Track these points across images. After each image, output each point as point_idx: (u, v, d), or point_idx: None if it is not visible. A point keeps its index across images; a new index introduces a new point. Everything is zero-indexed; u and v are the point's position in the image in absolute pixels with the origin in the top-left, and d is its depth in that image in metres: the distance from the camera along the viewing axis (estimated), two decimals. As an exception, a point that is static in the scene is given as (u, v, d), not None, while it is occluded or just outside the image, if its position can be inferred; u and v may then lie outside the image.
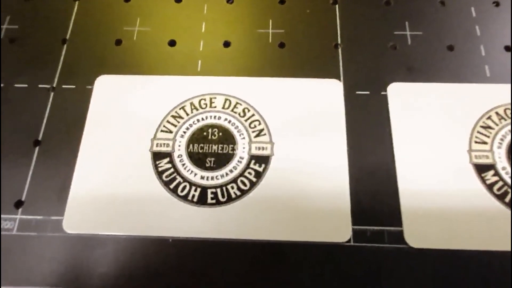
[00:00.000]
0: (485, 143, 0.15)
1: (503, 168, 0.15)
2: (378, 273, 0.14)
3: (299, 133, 0.16)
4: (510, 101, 0.16)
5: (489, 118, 0.16)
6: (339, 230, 0.14)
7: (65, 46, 0.18)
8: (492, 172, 0.15)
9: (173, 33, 0.18)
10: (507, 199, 0.14)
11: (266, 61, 0.17)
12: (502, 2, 0.19)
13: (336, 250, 0.14)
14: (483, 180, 0.15)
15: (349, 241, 0.14)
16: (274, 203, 0.14)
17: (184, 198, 0.14)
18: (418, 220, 0.14)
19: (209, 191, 0.15)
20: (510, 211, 0.14)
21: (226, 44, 0.18)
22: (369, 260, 0.14)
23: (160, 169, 0.15)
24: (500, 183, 0.15)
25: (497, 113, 0.16)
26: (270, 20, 0.18)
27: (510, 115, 0.16)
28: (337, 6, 0.18)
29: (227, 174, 0.15)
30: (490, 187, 0.15)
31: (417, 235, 0.14)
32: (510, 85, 0.16)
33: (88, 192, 0.14)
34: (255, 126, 0.16)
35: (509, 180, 0.15)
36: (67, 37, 0.18)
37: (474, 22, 0.18)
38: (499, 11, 0.18)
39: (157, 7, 0.19)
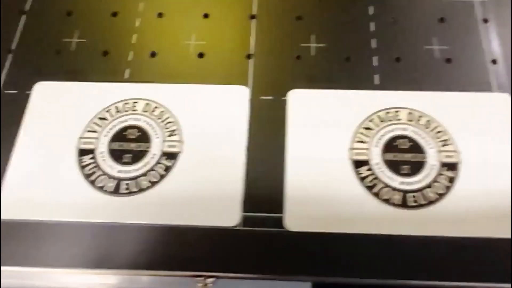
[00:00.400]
0: (364, 142, 0.18)
1: (376, 164, 0.17)
2: (262, 253, 0.16)
3: (206, 132, 0.18)
4: (392, 106, 0.19)
5: (371, 121, 0.18)
6: (230, 215, 0.16)
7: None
8: (366, 167, 0.17)
9: (107, 44, 0.20)
10: (375, 189, 0.17)
11: (186, 69, 0.20)
12: (399, 18, 0.21)
13: (227, 233, 0.16)
14: (357, 173, 0.17)
15: (239, 225, 0.17)
16: (180, 193, 0.17)
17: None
18: (297, 207, 0.17)
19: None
20: (376, 200, 0.16)
21: (153, 54, 0.20)
22: (255, 242, 0.16)
23: (83, 164, 0.17)
24: (372, 177, 0.17)
25: (378, 116, 0.18)
26: (194, 33, 0.21)
27: (389, 119, 0.18)
28: (254, 20, 0.21)
29: (140, 168, 0.17)
30: (362, 179, 0.17)
31: (295, 220, 0.16)
32: (394, 91, 0.19)
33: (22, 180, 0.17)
34: (169, 127, 0.18)
35: (379, 174, 0.17)
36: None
37: (371, 36, 0.20)
38: (395, 27, 0.20)
39: (94, 20, 0.21)
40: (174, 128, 0.18)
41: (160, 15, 0.21)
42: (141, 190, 0.17)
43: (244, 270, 0.16)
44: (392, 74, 0.19)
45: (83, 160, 0.17)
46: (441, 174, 0.17)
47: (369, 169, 0.17)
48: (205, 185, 0.17)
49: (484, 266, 0.16)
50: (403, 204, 0.17)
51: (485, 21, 0.21)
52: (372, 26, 0.21)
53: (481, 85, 0.19)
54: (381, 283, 0.16)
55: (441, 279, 0.16)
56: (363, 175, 0.17)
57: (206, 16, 0.21)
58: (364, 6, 0.21)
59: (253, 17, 0.21)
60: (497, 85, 0.19)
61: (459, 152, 0.18)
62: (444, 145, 0.18)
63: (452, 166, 0.17)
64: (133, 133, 0.18)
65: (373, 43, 0.20)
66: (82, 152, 0.18)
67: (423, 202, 0.17)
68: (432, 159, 0.18)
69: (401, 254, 0.16)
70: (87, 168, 0.17)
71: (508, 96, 0.19)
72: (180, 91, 0.19)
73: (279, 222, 0.17)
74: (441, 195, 0.17)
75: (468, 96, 0.19)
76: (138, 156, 0.17)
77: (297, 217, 0.17)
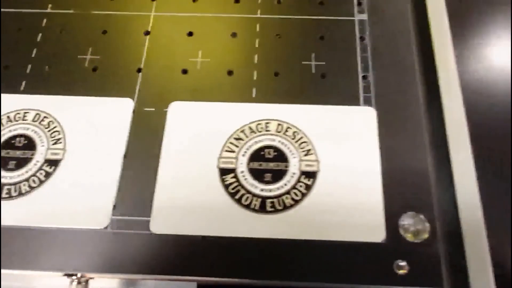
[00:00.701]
0: (233, 151, 0.19)
1: (241, 172, 0.19)
2: (129, 254, 0.17)
3: (89, 141, 0.19)
4: (263, 118, 0.20)
5: (242, 131, 0.20)
6: (100, 218, 0.18)
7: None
8: (232, 175, 0.19)
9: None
10: (237, 196, 0.18)
11: (79, 82, 0.21)
12: (283, 35, 0.22)
13: (96, 235, 0.18)
14: (223, 181, 0.19)
15: (106, 227, 0.18)
16: (59, 197, 0.18)
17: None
18: (164, 211, 0.18)
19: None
20: (237, 205, 0.18)
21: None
22: (122, 244, 0.18)
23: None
24: (235, 184, 0.19)
25: (250, 128, 0.20)
26: (91, 47, 0.22)
27: (259, 130, 0.20)
28: (148, 37, 0.22)
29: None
30: (227, 186, 0.18)
31: (161, 224, 0.18)
32: (268, 104, 0.20)
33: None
34: (54, 136, 0.19)
35: (243, 182, 0.19)
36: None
37: (255, 51, 0.22)
38: (278, 43, 0.22)
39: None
40: (59, 136, 0.20)
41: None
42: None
43: (111, 270, 0.18)
44: (269, 88, 0.21)
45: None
46: (300, 182, 0.19)
47: (234, 177, 0.19)
48: (81, 189, 0.18)
49: (337, 267, 0.17)
50: (261, 210, 0.18)
51: (362, 39, 0.22)
52: (257, 43, 0.22)
53: (351, 99, 0.21)
54: (241, 283, 0.18)
55: (292, 279, 0.17)
56: (227, 182, 0.19)
57: (104, 32, 0.23)
58: (251, 23, 0.22)
59: (147, 33, 0.23)
60: (365, 100, 0.21)
61: (319, 161, 0.19)
62: (306, 155, 0.19)
63: (311, 175, 0.19)
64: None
65: (256, 59, 0.22)
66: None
67: (279, 207, 0.18)
68: (294, 168, 0.19)
69: (258, 255, 0.18)
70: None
71: (373, 110, 0.20)
72: (69, 103, 0.20)
73: (146, 225, 0.18)
74: (296, 202, 0.18)
75: (336, 109, 0.20)
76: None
77: (162, 221, 0.18)
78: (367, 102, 0.21)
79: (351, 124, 0.20)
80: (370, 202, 0.18)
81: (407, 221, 0.19)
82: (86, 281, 0.19)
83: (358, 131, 0.20)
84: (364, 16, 0.23)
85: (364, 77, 0.21)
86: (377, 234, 0.18)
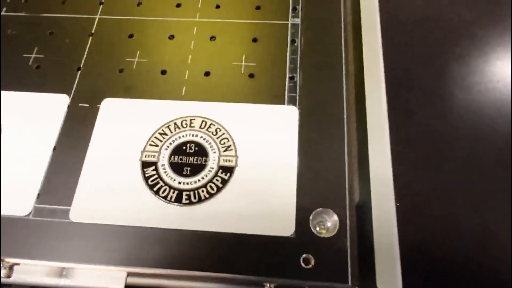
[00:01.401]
0: (156, 145, 0.20)
1: (162, 165, 0.19)
2: (50, 242, 0.18)
3: (21, 135, 0.20)
4: (188, 115, 0.21)
5: (167, 127, 0.20)
6: (22, 205, 0.19)
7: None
8: (152, 168, 0.19)
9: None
10: (156, 188, 0.19)
11: (24, 80, 0.22)
12: (217, 36, 0.23)
13: (18, 222, 0.19)
14: (144, 173, 0.19)
15: (28, 215, 0.19)
16: None
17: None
18: (84, 201, 0.19)
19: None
20: (155, 197, 0.18)
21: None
22: (42, 231, 0.18)
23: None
24: (155, 177, 0.19)
25: (175, 123, 0.20)
26: (37, 47, 0.23)
27: (184, 125, 0.20)
28: (91, 38, 0.24)
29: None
30: (147, 179, 0.19)
31: (80, 212, 0.18)
32: (196, 102, 0.21)
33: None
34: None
35: (162, 175, 0.19)
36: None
37: (189, 53, 0.23)
38: (212, 44, 0.23)
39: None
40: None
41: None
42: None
43: (33, 257, 0.18)
44: (198, 87, 0.22)
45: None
46: (217, 176, 0.19)
47: (155, 169, 0.19)
48: (9, 178, 0.19)
49: (246, 260, 0.17)
50: (177, 201, 0.19)
51: (293, 41, 0.23)
52: (192, 45, 0.23)
53: (277, 99, 0.21)
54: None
55: (202, 269, 0.18)
56: (148, 175, 0.19)
57: (51, 33, 0.24)
58: (189, 26, 0.23)
59: (91, 34, 0.24)
60: (289, 99, 0.21)
61: (238, 157, 0.20)
62: (225, 150, 0.20)
63: (228, 170, 0.19)
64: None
65: (189, 59, 0.23)
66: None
67: (194, 200, 0.19)
68: (212, 162, 0.20)
69: (172, 246, 0.18)
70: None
71: (295, 108, 0.21)
72: (10, 98, 0.22)
73: (66, 213, 0.19)
74: (211, 195, 0.19)
75: (260, 108, 0.21)
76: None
77: (82, 210, 0.19)
78: (292, 102, 0.21)
79: (273, 122, 0.21)
80: (283, 198, 0.19)
81: (321, 216, 0.19)
82: (11, 267, 0.19)
83: (279, 129, 0.20)
84: (298, 21, 0.24)
85: (291, 78, 0.22)
86: (286, 228, 0.18)
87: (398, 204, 0.19)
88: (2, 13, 0.25)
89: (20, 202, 0.19)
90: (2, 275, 0.19)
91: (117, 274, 0.20)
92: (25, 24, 0.24)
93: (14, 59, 0.23)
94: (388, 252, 0.18)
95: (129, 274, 0.20)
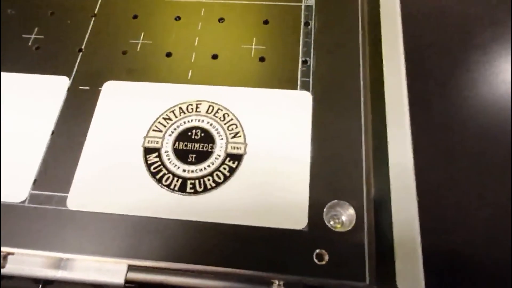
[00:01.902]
0: (160, 131, 0.19)
1: (165, 152, 0.18)
2: (46, 230, 0.17)
3: (22, 116, 0.19)
4: (194, 99, 0.19)
5: (172, 111, 0.19)
6: (19, 192, 0.17)
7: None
8: (155, 154, 0.18)
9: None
10: (158, 176, 0.18)
11: (23, 60, 0.21)
12: (226, 18, 0.22)
13: (13, 209, 0.17)
14: (146, 160, 0.18)
15: (24, 201, 0.18)
16: None
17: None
18: (82, 188, 0.18)
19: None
20: (157, 185, 0.17)
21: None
22: (38, 219, 0.17)
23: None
24: (158, 163, 0.18)
25: (180, 108, 0.19)
26: (37, 27, 0.22)
27: (189, 110, 0.19)
28: (93, 19, 0.22)
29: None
30: (149, 166, 0.18)
31: (78, 200, 0.17)
32: (202, 85, 0.20)
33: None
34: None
35: (165, 162, 0.18)
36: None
37: (196, 35, 0.22)
38: (220, 26, 0.21)
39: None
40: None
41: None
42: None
43: (28, 245, 0.17)
44: (205, 70, 0.21)
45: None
46: (224, 164, 0.18)
47: (158, 156, 0.18)
48: (5, 163, 0.18)
49: (253, 254, 0.16)
50: (181, 190, 0.18)
51: (307, 24, 0.22)
52: (200, 26, 0.22)
53: (289, 83, 0.20)
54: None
55: (207, 263, 0.17)
56: (150, 162, 0.18)
57: (52, 14, 0.23)
58: (196, 7, 0.22)
59: (94, 15, 0.23)
60: (302, 84, 0.20)
61: (247, 144, 0.18)
62: (233, 137, 0.19)
63: (236, 157, 0.18)
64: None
65: (196, 41, 0.22)
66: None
67: (199, 189, 0.18)
68: (219, 149, 0.18)
69: (176, 237, 0.17)
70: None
71: (309, 94, 0.20)
72: (9, 79, 0.21)
73: (64, 200, 0.18)
74: (218, 184, 0.18)
75: (271, 92, 0.20)
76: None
77: (80, 197, 0.18)
78: (305, 87, 0.20)
79: (284, 108, 0.19)
80: (295, 188, 0.17)
81: (335, 209, 0.18)
82: (5, 257, 0.18)
83: (291, 115, 0.19)
84: (312, 2, 0.22)
85: (305, 62, 0.21)
86: (298, 221, 0.17)
87: (419, 199, 0.17)
88: (2, -8, 0.24)
89: (16, 188, 0.18)
90: (-5, 265, 0.18)
91: (118, 267, 0.19)
92: (25, 4, 0.24)
93: (13, 39, 0.22)
94: (409, 249, 0.17)
95: (130, 268, 0.19)
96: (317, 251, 0.16)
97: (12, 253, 0.18)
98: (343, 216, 0.18)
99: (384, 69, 0.21)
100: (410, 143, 0.19)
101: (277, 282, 0.18)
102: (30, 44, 0.22)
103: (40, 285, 0.21)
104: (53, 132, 0.19)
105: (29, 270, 0.19)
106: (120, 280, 0.19)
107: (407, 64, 0.21)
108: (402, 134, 0.19)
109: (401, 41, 0.21)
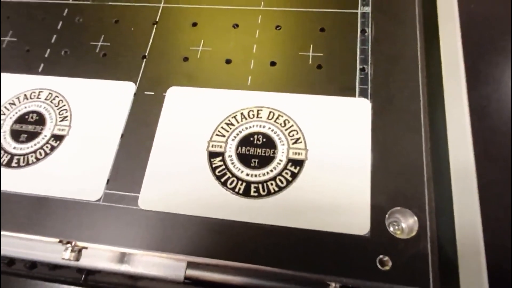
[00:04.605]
0: (223, 136, 0.19)
1: (229, 156, 0.19)
2: (117, 227, 0.18)
3: (91, 121, 0.21)
4: (255, 105, 0.20)
5: (234, 117, 0.20)
6: (94, 191, 0.19)
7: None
8: (219, 158, 0.19)
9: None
10: (223, 179, 0.19)
11: (90, 66, 0.22)
12: (283, 26, 0.22)
13: (89, 207, 0.19)
14: (211, 163, 0.19)
15: (99, 200, 0.19)
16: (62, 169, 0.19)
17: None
18: (152, 189, 0.19)
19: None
20: (222, 188, 0.18)
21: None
22: (111, 216, 0.18)
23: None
24: (222, 167, 0.19)
25: (242, 114, 0.20)
26: (103, 35, 0.24)
27: (251, 116, 0.20)
28: (155, 26, 0.23)
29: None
30: (214, 169, 0.19)
31: (148, 200, 0.18)
32: (262, 92, 0.20)
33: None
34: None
35: (229, 166, 0.19)
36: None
37: (254, 42, 0.22)
38: (278, 34, 0.22)
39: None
40: (66, 114, 0.21)
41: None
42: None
43: (101, 241, 0.18)
44: (264, 77, 0.21)
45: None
46: (286, 169, 0.19)
47: (222, 160, 0.19)
48: (80, 164, 0.19)
49: (314, 257, 0.17)
50: (245, 194, 0.18)
51: (363, 31, 0.22)
52: (257, 34, 0.22)
53: (347, 90, 0.20)
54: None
55: (269, 265, 0.17)
56: (215, 165, 0.19)
57: (116, 22, 0.24)
58: (253, 15, 0.23)
59: (155, 23, 0.24)
60: (361, 92, 0.20)
61: (308, 150, 0.19)
62: (294, 143, 0.19)
63: (298, 163, 0.19)
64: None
65: (254, 48, 0.22)
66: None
67: (263, 193, 0.18)
68: (281, 155, 0.19)
69: (240, 239, 0.18)
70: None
71: (367, 101, 0.20)
72: (78, 84, 0.22)
73: (135, 200, 0.19)
74: (281, 188, 0.18)
75: (330, 100, 0.20)
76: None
77: (150, 198, 0.19)
78: (363, 94, 0.20)
79: (344, 115, 0.20)
80: (356, 194, 0.18)
81: (395, 216, 0.18)
82: (79, 250, 0.20)
83: (351, 122, 0.19)
84: (368, 9, 0.23)
85: (362, 69, 0.21)
86: (361, 226, 0.17)
87: (481, 204, 0.17)
88: (70, 1, 0.26)
89: (91, 188, 0.19)
90: (72, 258, 0.19)
91: (177, 264, 0.20)
92: (91, 12, 0.25)
93: (81, 46, 0.23)
94: (473, 257, 0.17)
95: (190, 265, 0.20)
96: (380, 256, 0.17)
97: (86, 248, 0.20)
98: (403, 223, 0.18)
99: (443, 74, 0.21)
100: (471, 147, 0.19)
101: (333, 284, 0.18)
102: (97, 51, 0.23)
103: (83, 275, 0.23)
104: (122, 135, 0.21)
105: (96, 264, 0.21)
106: (180, 276, 0.20)
107: (466, 69, 0.21)
108: (463, 139, 0.19)
109: (459, 45, 0.21)
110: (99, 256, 0.20)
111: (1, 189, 0.20)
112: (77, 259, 0.20)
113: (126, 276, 0.21)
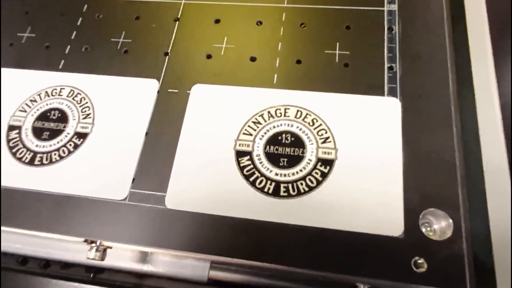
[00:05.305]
0: (250, 134, 0.19)
1: (257, 155, 0.19)
2: (142, 226, 0.18)
3: (115, 118, 0.20)
4: (282, 104, 0.20)
5: (261, 115, 0.20)
6: (119, 190, 0.18)
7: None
8: (247, 157, 0.19)
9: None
10: (252, 178, 0.18)
11: (113, 63, 0.22)
12: (307, 23, 0.22)
13: (115, 206, 0.18)
14: (238, 163, 0.19)
15: (125, 199, 0.18)
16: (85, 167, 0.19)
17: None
18: (179, 188, 0.18)
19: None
20: (251, 188, 0.18)
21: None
22: (137, 215, 0.18)
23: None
24: (250, 166, 0.19)
25: (269, 112, 0.20)
26: (124, 31, 0.23)
27: (278, 115, 0.19)
28: (177, 23, 0.23)
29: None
30: (242, 169, 0.18)
31: (175, 200, 0.18)
32: (289, 90, 0.20)
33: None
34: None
35: (258, 165, 0.19)
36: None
37: (279, 40, 0.22)
38: (303, 31, 0.22)
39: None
40: (89, 112, 0.21)
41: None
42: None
43: (126, 241, 0.18)
44: (290, 75, 0.21)
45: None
46: (316, 169, 0.18)
47: (250, 159, 0.19)
48: (105, 162, 0.19)
49: (350, 259, 0.16)
50: (275, 194, 0.18)
51: (390, 29, 0.21)
52: (282, 31, 0.22)
53: (375, 89, 0.20)
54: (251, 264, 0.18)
55: (300, 266, 0.17)
56: (243, 165, 0.19)
57: (137, 18, 0.24)
58: (277, 12, 0.22)
59: (177, 19, 0.23)
60: (390, 90, 0.20)
61: (337, 149, 0.19)
62: (324, 142, 0.19)
63: (327, 162, 0.18)
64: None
65: (279, 46, 0.22)
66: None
67: (293, 193, 0.18)
68: (310, 154, 0.19)
69: (269, 239, 0.17)
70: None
71: (397, 100, 0.19)
72: (100, 81, 0.22)
73: (161, 200, 0.19)
74: (311, 188, 0.18)
75: (358, 98, 0.20)
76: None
77: (177, 197, 0.18)
78: (392, 93, 0.20)
79: (373, 114, 0.19)
80: (389, 195, 0.18)
81: (428, 217, 0.18)
82: (104, 250, 0.19)
83: (381, 121, 0.19)
84: (394, 7, 0.22)
85: (390, 68, 0.21)
86: (394, 228, 0.17)
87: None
88: (89, -3, 0.25)
89: (117, 186, 0.19)
90: (96, 258, 0.19)
91: (201, 264, 0.19)
92: (112, 8, 0.25)
93: (102, 43, 0.23)
94: (509, 257, 0.17)
95: (213, 266, 0.19)
96: (415, 258, 0.17)
97: (111, 247, 0.20)
98: (436, 225, 0.18)
99: (473, 71, 0.21)
100: (504, 146, 0.18)
101: (362, 286, 0.18)
102: (118, 47, 0.23)
103: (92, 274, 0.23)
104: (147, 133, 0.20)
105: (119, 263, 0.20)
106: (204, 276, 0.20)
107: (496, 66, 0.20)
108: (495, 137, 0.19)
109: (488, 42, 0.21)
110: (120, 256, 0.20)
111: (25, 187, 0.19)
112: (102, 259, 0.19)
113: (134, 275, 0.21)
